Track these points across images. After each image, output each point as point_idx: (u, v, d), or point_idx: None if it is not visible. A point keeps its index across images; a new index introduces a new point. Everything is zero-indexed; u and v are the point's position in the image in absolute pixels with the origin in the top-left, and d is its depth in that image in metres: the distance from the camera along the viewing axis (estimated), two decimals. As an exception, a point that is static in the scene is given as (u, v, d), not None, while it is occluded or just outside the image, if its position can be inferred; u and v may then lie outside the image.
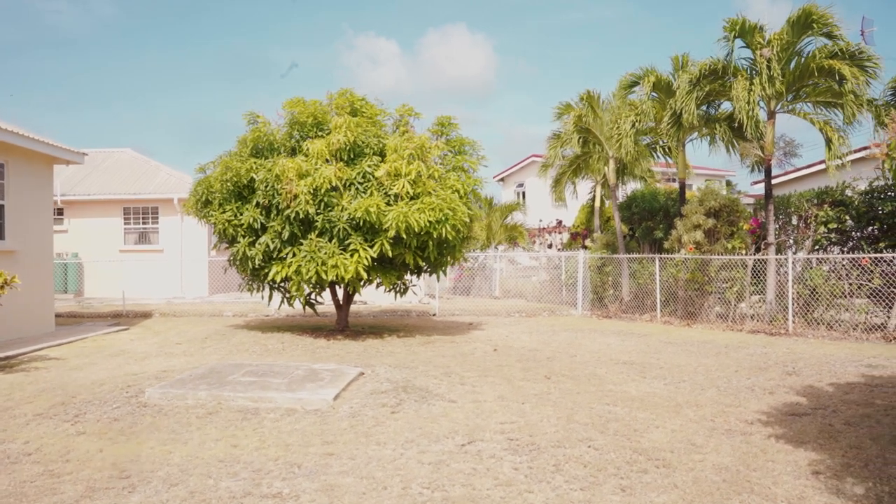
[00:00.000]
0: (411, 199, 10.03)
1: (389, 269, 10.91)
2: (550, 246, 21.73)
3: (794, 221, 12.83)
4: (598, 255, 15.74)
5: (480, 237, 19.48)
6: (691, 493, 4.27)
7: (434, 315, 15.18)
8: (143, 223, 19.48)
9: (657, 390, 7.28)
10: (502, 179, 35.09)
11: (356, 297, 16.61)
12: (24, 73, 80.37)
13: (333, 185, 9.94)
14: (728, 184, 37.84)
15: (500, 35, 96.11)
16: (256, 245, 10.39)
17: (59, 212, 19.45)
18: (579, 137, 15.41)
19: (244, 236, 10.60)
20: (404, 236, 9.79)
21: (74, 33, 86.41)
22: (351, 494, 4.25)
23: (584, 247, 17.35)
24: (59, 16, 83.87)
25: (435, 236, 10.01)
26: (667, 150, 15.16)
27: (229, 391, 6.63)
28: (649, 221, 15.39)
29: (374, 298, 16.34)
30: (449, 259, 11.36)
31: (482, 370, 8.34)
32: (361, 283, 10.81)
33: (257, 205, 10.44)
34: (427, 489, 4.34)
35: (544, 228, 22.81)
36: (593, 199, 18.78)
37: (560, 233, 21.59)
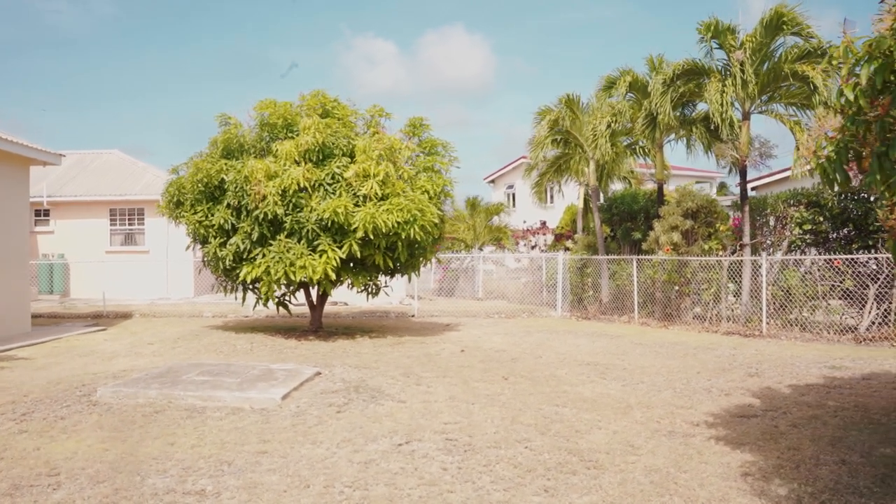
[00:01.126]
0: (380, 199, 10.05)
1: (360, 270, 10.92)
2: (534, 247, 21.74)
3: (772, 223, 12.79)
4: (578, 256, 15.73)
5: (465, 238, 19.48)
6: (614, 494, 4.26)
7: (413, 316, 15.19)
8: (129, 224, 19.55)
9: (612, 392, 7.26)
10: (493, 181, 35.09)
11: (338, 299, 16.64)
12: (24, 73, 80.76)
13: (302, 186, 9.96)
14: (723, 185, 37.76)
15: (499, 35, 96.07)
16: (227, 246, 10.42)
17: (46, 213, 19.55)
18: (560, 139, 15.42)
19: (215, 237, 10.63)
20: (372, 237, 9.81)
21: (74, 33, 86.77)
22: (271, 492, 4.26)
23: (567, 248, 17.34)
24: (58, 16, 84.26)
25: (403, 237, 10.01)
26: (647, 151, 15.15)
27: (180, 390, 6.64)
28: (629, 223, 15.38)
29: (354, 300, 16.33)
30: (421, 260, 11.37)
31: (442, 371, 8.33)
32: (332, 283, 10.80)
33: (228, 206, 10.46)
34: (349, 488, 4.35)
35: (528, 230, 22.82)
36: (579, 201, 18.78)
37: (544, 234, 21.60)
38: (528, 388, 7.36)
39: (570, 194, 20.36)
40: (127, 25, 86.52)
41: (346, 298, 16.39)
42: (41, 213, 19.53)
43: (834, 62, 3.82)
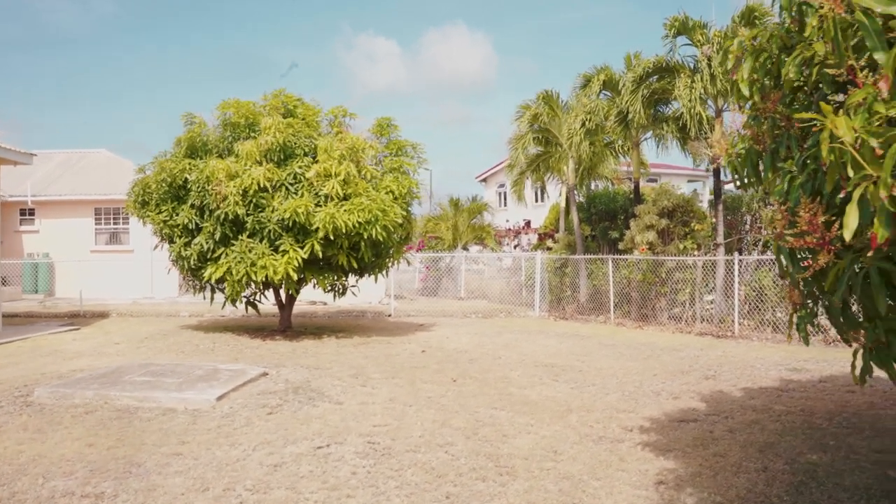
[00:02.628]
0: (342, 199, 9.98)
1: (326, 270, 10.86)
2: (517, 247, 21.60)
3: (748, 222, 12.62)
4: (557, 255, 15.59)
5: (446, 237, 19.37)
6: (515, 502, 4.16)
7: (389, 316, 15.12)
8: (115, 223, 19.61)
9: (559, 394, 7.15)
10: (484, 180, 34.92)
11: (316, 298, 16.59)
12: (23, 73, 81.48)
13: (263, 186, 9.91)
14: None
15: (500, 33, 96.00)
16: (192, 245, 10.40)
17: (31, 212, 19.65)
18: (540, 137, 15.30)
19: (180, 236, 10.62)
20: (333, 237, 9.75)
21: (74, 32, 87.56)
22: (168, 495, 4.20)
23: (548, 248, 17.21)
24: (58, 14, 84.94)
25: (366, 237, 9.94)
26: (625, 149, 14.99)
27: (118, 391, 6.61)
28: (607, 222, 15.23)
29: (332, 300, 16.28)
30: (388, 260, 11.30)
31: (394, 371, 8.25)
32: (296, 284, 10.74)
33: (192, 206, 10.43)
34: (248, 491, 4.28)
35: (510, 229, 22.67)
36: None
37: (527, 234, 21.44)
38: (474, 390, 7.26)
39: (557, 193, 20.20)
40: (127, 24, 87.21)
41: (325, 298, 16.32)
42: (26, 213, 19.63)
43: (730, 56, 3.70)
